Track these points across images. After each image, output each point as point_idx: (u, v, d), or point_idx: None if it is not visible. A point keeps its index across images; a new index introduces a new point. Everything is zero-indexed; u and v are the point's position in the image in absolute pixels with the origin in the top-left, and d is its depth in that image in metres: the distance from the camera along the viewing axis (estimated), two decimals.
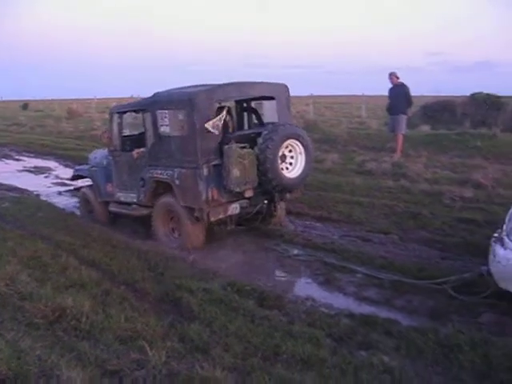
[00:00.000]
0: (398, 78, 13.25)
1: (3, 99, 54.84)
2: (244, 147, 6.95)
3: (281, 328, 4.63)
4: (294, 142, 7.28)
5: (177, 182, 7.14)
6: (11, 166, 16.50)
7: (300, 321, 4.89)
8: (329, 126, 19.37)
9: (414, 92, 13.58)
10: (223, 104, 7.75)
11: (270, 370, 3.90)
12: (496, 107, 19.93)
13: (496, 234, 5.18)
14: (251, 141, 7.14)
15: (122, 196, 8.29)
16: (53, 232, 7.85)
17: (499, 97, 20.72)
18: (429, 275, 5.89)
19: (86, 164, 9.50)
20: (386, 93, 13.75)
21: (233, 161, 6.74)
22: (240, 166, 6.78)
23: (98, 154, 9.21)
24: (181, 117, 7.01)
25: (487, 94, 20.81)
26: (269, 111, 8.06)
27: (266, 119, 8.10)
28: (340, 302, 5.57)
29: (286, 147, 7.23)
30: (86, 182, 9.44)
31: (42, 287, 5.40)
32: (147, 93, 8.07)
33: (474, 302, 5.18)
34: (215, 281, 5.90)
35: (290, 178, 7.28)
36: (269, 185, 7.14)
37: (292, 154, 7.34)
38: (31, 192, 11.76)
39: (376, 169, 11.69)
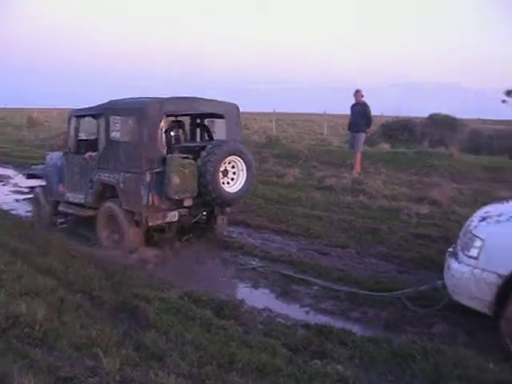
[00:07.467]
0: (362, 96, 13.49)
1: None
2: (186, 157, 7.25)
3: (237, 337, 4.64)
4: (236, 158, 7.62)
5: (121, 185, 7.44)
6: None
7: (256, 330, 4.91)
8: (290, 142, 19.54)
9: (374, 112, 13.86)
10: (178, 119, 8.31)
11: (225, 377, 3.92)
12: (453, 128, 20.48)
13: (451, 249, 5.31)
14: (196, 153, 7.44)
15: (71, 196, 8.61)
16: (9, 239, 7.71)
17: (456, 118, 21.30)
18: (385, 288, 6.00)
19: (42, 164, 9.83)
20: (347, 111, 13.99)
21: (173, 169, 7.05)
22: (180, 175, 7.08)
23: (54, 155, 9.53)
24: (131, 124, 7.32)
25: (446, 115, 21.36)
26: (220, 129, 8.38)
27: (217, 137, 8.35)
28: (297, 312, 5.62)
29: (229, 163, 7.58)
30: (40, 182, 9.69)
31: None
32: None
33: (427, 314, 5.30)
34: (172, 291, 5.90)
35: (229, 193, 7.59)
36: (208, 196, 7.42)
37: (234, 170, 7.68)
38: None
39: (336, 184, 11.81)
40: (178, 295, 5.70)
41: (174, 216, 7.44)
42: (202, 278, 6.82)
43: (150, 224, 7.34)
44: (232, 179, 7.66)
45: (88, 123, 8.79)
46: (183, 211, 7.53)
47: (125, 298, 5.57)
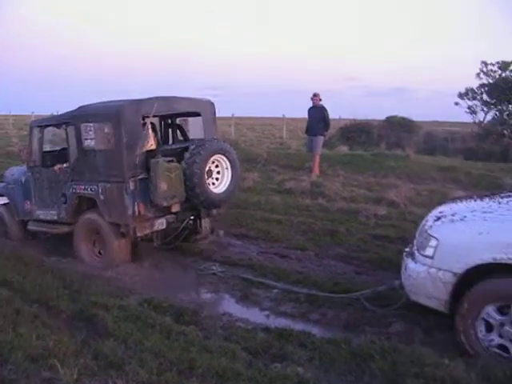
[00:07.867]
0: (320, 99, 13.58)
1: None
2: (171, 161, 6.92)
3: (197, 343, 4.62)
4: (220, 157, 7.33)
5: (101, 197, 6.97)
6: None
7: (216, 335, 4.90)
8: (249, 146, 19.58)
9: (332, 115, 14.00)
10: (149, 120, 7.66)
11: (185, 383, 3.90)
12: (410, 130, 20.90)
13: (407, 249, 5.38)
14: (178, 155, 7.12)
15: (41, 214, 8.00)
16: None
17: (412, 121, 21.74)
18: (344, 289, 6.05)
19: (2, 182, 9.05)
20: (306, 115, 14.06)
21: (160, 174, 6.65)
22: (167, 180, 6.71)
23: (15, 171, 8.81)
24: (106, 130, 6.80)
25: (402, 118, 21.78)
26: (194, 128, 8.11)
27: (192, 136, 8.12)
28: (257, 316, 5.64)
29: (213, 163, 7.27)
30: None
31: None
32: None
33: (385, 314, 5.37)
34: (132, 298, 5.84)
35: (216, 194, 7.29)
36: (196, 200, 7.10)
37: (218, 169, 7.39)
38: None
39: (295, 188, 11.88)
40: (138, 302, 5.65)
41: (161, 224, 7.12)
42: (162, 284, 6.76)
43: (139, 234, 6.97)
44: (217, 179, 7.39)
45: (52, 133, 8.35)
46: (170, 217, 7.23)
47: (83, 307, 5.49)
